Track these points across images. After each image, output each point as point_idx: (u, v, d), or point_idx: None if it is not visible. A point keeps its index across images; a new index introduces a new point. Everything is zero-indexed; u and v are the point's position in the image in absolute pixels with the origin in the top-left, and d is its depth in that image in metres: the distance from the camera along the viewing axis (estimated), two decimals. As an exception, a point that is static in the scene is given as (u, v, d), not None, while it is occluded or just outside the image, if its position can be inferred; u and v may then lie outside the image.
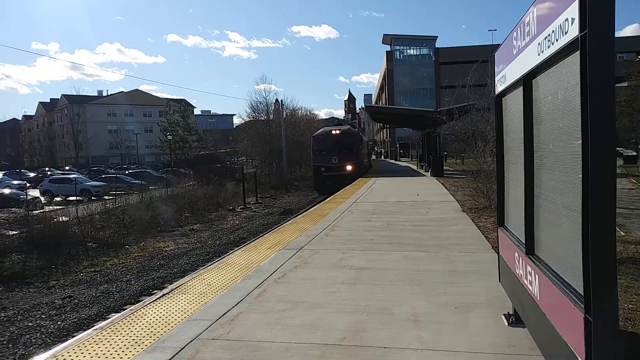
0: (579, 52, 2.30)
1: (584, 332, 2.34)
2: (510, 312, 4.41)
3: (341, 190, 18.71)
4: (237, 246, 15.01)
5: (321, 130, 31.29)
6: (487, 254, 6.93)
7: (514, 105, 4.11)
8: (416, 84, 65.00)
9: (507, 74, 4.22)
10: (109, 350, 3.86)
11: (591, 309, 2.29)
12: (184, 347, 3.89)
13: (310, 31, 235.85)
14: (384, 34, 69.89)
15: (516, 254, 3.97)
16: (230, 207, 25.08)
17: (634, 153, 27.34)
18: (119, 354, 3.79)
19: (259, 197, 28.72)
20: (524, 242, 3.69)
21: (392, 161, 55.01)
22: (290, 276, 6.02)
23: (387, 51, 68.82)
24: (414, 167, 34.77)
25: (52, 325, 8.08)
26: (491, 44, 62.91)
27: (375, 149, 78.35)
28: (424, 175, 25.42)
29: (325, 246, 7.84)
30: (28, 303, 9.54)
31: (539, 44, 3.04)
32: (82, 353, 3.83)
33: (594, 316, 2.28)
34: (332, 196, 16.96)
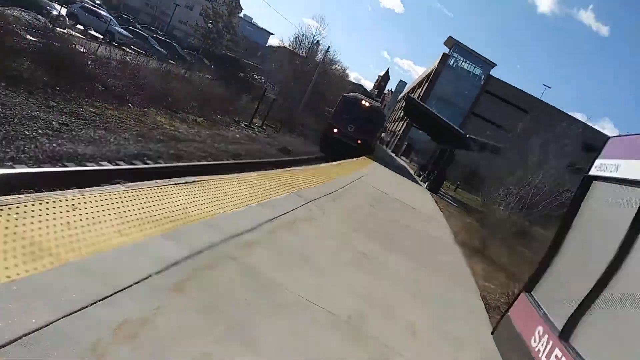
0: None
1: None
2: (496, 370, 4.44)
3: (347, 160, 18.58)
4: (234, 159, 14.90)
5: (352, 94, 30.51)
6: (475, 296, 6.96)
7: (614, 199, 3.96)
8: (454, 98, 64.03)
9: (622, 166, 4.04)
10: (134, 212, 3.69)
11: None
12: (199, 251, 3.75)
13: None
14: (449, 36, 68.35)
15: (540, 329, 3.93)
16: (237, 119, 24.73)
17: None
18: (140, 222, 3.63)
19: (265, 123, 28.36)
20: (560, 326, 3.65)
21: (392, 154, 54.87)
22: (301, 227, 5.89)
23: (444, 53, 67.26)
24: (411, 172, 34.85)
25: (47, 144, 7.84)
26: (540, 97, 62.35)
27: (383, 135, 77.98)
28: (420, 185, 25.51)
29: (333, 211, 7.73)
30: (26, 111, 9.22)
31: None
32: (106, 202, 3.65)
33: None
34: (338, 162, 16.80)
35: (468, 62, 66.90)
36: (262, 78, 48.18)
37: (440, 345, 4.38)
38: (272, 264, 4.21)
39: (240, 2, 76.73)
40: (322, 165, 14.23)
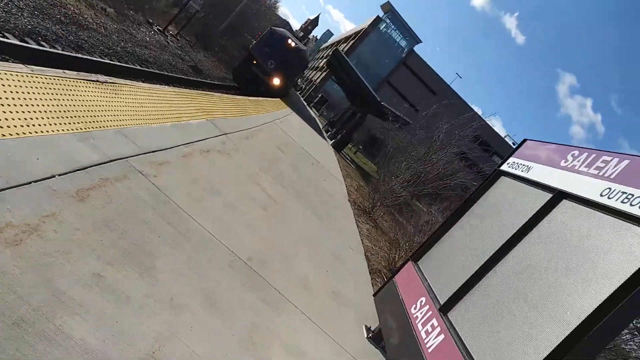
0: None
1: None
2: (371, 328, 4.77)
3: (262, 98, 18.04)
4: (141, 64, 13.59)
5: (282, 29, 29.17)
6: (360, 257, 7.36)
7: (516, 194, 4.33)
8: (374, 63, 64.92)
9: (533, 168, 4.41)
10: (39, 104, 3.14)
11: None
12: (112, 160, 3.36)
13: None
14: (388, 1, 68.05)
15: (422, 299, 4.25)
16: (151, 21, 22.40)
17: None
18: (45, 121, 3.11)
19: (181, 34, 26.20)
20: (441, 299, 3.97)
21: (305, 104, 54.58)
22: (214, 157, 5.60)
23: (378, 16, 67.20)
24: (320, 126, 35.20)
25: None
26: (450, 83, 65.98)
27: (299, 82, 77.02)
28: (326, 140, 25.86)
29: (245, 148, 7.46)
30: None
31: (609, 188, 3.21)
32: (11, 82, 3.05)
33: None
34: (254, 97, 16.24)
35: (398, 31, 67.79)
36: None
37: (326, 300, 4.56)
38: (183, 190, 3.95)
39: None
40: (239, 97, 13.63)
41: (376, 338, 4.61)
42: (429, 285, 4.40)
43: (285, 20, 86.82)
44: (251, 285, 3.52)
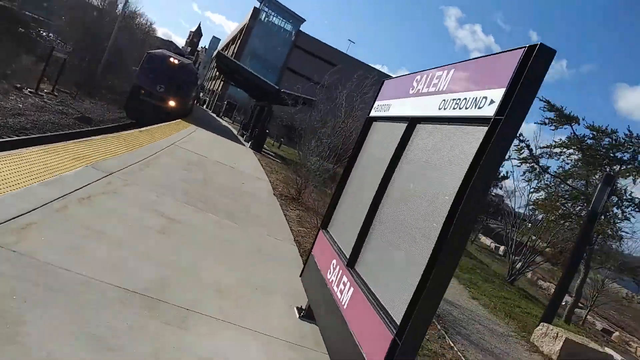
0: (486, 128, 2.64)
1: (387, 352, 2.73)
2: (303, 307, 4.78)
3: (158, 125, 17.39)
4: (17, 135, 12.64)
5: (159, 50, 28.05)
6: (289, 244, 7.35)
7: (386, 135, 4.47)
8: (267, 53, 64.76)
9: (392, 105, 4.56)
10: None
11: (403, 336, 2.67)
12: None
13: None
14: (259, -11, 67.80)
15: (334, 262, 4.32)
16: (18, 85, 20.80)
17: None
18: None
19: (58, 89, 24.58)
20: (347, 255, 4.05)
21: (214, 115, 53.57)
22: (97, 201, 5.33)
23: (255, 7, 66.81)
24: (235, 132, 34.58)
25: None
26: (346, 52, 67.06)
27: (201, 95, 75.33)
28: (243, 145, 25.45)
29: (138, 181, 7.17)
30: None
31: (443, 100, 3.37)
32: None
33: (403, 342, 2.67)
34: (147, 127, 15.62)
35: (279, 17, 67.86)
36: (51, 34, 41.34)
37: (247, 296, 4.51)
38: (53, 246, 3.71)
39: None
40: (127, 132, 13.06)
41: (308, 315, 4.63)
42: (338, 247, 4.46)
43: (167, 40, 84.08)
44: (151, 314, 3.39)
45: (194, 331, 3.40)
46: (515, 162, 15.37)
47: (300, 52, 64.35)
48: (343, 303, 3.69)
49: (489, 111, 2.69)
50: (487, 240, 35.49)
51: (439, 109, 3.39)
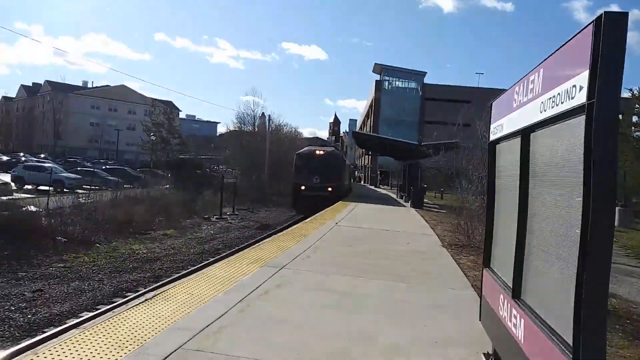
0: (584, 116, 2.48)
1: (571, 379, 2.48)
2: (490, 352, 4.54)
3: (322, 212, 18.78)
4: (212, 256, 14.92)
5: (305, 148, 31.20)
6: (467, 291, 7.08)
7: (508, 154, 4.31)
8: (401, 115, 66.09)
9: (504, 124, 4.43)
10: (91, 352, 3.81)
11: (580, 356, 2.43)
12: (168, 355, 3.88)
13: (300, 49, 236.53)
14: (375, 63, 71.17)
15: (501, 297, 4.11)
16: (206, 216, 24.76)
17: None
18: (101, 356, 3.75)
19: (236, 208, 28.51)
20: (510, 285, 3.84)
21: (372, 187, 55.47)
22: (273, 294, 6.05)
23: (376, 80, 70.03)
24: (394, 196, 35.11)
25: (21, 318, 7.84)
26: (476, 86, 64.75)
27: (356, 173, 79.00)
28: (404, 206, 25.67)
29: (307, 267, 7.89)
30: (-5, 293, 9.25)
31: (542, 102, 3.24)
32: (64, 352, 3.78)
33: None
34: (312, 217, 17.01)
35: (401, 79, 69.77)
36: (221, 167, 49.00)
37: (427, 352, 4.50)
38: (242, 341, 4.33)
39: (178, 105, 79.33)
40: (295, 226, 14.41)
41: (496, 359, 4.38)
42: (502, 280, 4.27)
43: (313, 138, 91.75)
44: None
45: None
46: None
47: (431, 102, 64.05)
48: (519, 337, 3.47)
49: (582, 98, 2.54)
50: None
51: (541, 112, 3.25)
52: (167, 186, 29.75)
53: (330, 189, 25.86)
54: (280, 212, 30.93)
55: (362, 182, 71.73)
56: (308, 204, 24.63)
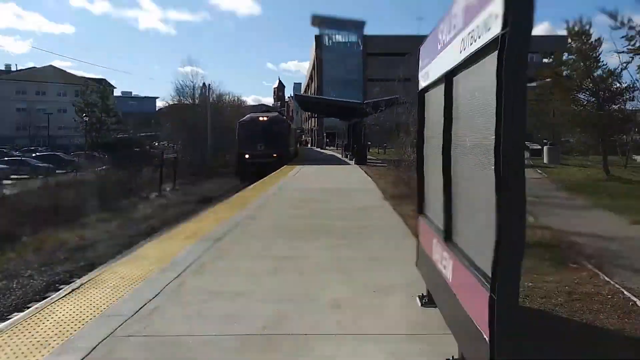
0: (497, 51, 2.35)
1: (488, 310, 2.49)
2: (424, 294, 4.61)
3: (266, 177, 18.55)
4: (149, 237, 14.34)
5: (247, 116, 30.62)
6: (407, 240, 7.16)
7: (435, 102, 4.23)
8: (345, 74, 64.97)
9: (430, 71, 4.33)
10: (8, 357, 3.49)
11: (495, 288, 2.43)
12: (96, 346, 3.61)
13: (230, 3, 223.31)
14: (312, 15, 68.95)
15: (435, 240, 4.12)
16: (144, 195, 23.70)
17: (539, 147, 29.86)
18: None
19: (178, 183, 27.55)
20: (442, 229, 3.85)
21: (319, 150, 55.55)
22: (209, 267, 5.84)
23: (316, 35, 67.63)
24: (339, 156, 35.39)
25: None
26: (418, 34, 64.49)
27: (303, 137, 78.70)
28: (349, 164, 25.96)
29: (247, 235, 7.72)
30: None
31: (462, 39, 3.08)
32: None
33: (497, 294, 2.42)
34: (255, 183, 16.75)
35: (340, 32, 67.77)
36: (163, 143, 47.24)
37: (367, 303, 4.52)
38: (176, 320, 4.14)
39: (112, 82, 74.90)
40: (236, 194, 14.11)
41: (430, 300, 4.45)
42: (435, 225, 4.27)
43: (257, 105, 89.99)
44: (269, 351, 3.54)
45: (313, 355, 3.47)
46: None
47: (374, 57, 63.06)
48: (449, 277, 3.50)
49: (497, 29, 2.40)
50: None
51: (461, 52, 3.13)
52: (104, 167, 28.28)
53: (275, 154, 25.59)
54: (224, 182, 30.15)
55: (310, 146, 71.62)
56: (254, 171, 24.06)
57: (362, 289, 4.91)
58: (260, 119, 27.65)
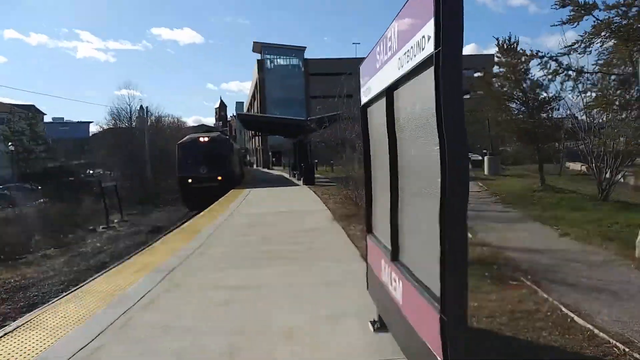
0: (433, 67, 2.43)
1: (440, 331, 2.48)
2: (376, 319, 4.55)
3: (214, 204, 18.05)
4: (99, 272, 13.54)
5: (187, 137, 28.59)
6: (357, 263, 7.11)
7: (378, 116, 4.27)
8: (287, 93, 65.79)
9: (371, 86, 4.38)
10: None
11: (445, 309, 2.43)
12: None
13: (172, 34, 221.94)
14: (254, 42, 69.79)
15: (382, 261, 4.09)
16: (91, 227, 22.44)
17: (480, 157, 30.99)
18: None
19: (125, 213, 26.30)
20: (389, 248, 3.82)
21: (265, 170, 55.15)
22: (160, 301, 5.54)
23: (258, 60, 68.68)
24: (287, 176, 35.16)
25: None
26: (356, 57, 66.70)
27: (248, 157, 77.92)
28: (297, 184, 25.75)
29: (198, 266, 7.42)
30: None
31: (399, 58, 3.17)
32: None
33: (447, 315, 2.43)
34: (205, 210, 16.27)
35: (282, 57, 69.18)
36: (98, 170, 45.06)
37: (319, 330, 4.41)
38: (122, 358, 3.85)
39: (41, 109, 70.94)
40: (185, 224, 13.63)
41: (382, 325, 4.39)
42: (383, 245, 4.25)
43: (198, 125, 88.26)
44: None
45: None
46: (553, 78, 14.12)
47: (315, 77, 64.40)
48: (398, 299, 3.46)
49: (430, 48, 2.48)
50: (577, 166, 32.94)
51: (399, 69, 3.19)
52: (42, 200, 26.49)
53: (220, 177, 24.21)
54: (173, 210, 29.20)
55: (255, 166, 71.00)
56: (199, 197, 22.73)
57: (315, 316, 4.80)
58: (201, 139, 26.00)
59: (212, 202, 18.66)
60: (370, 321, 4.51)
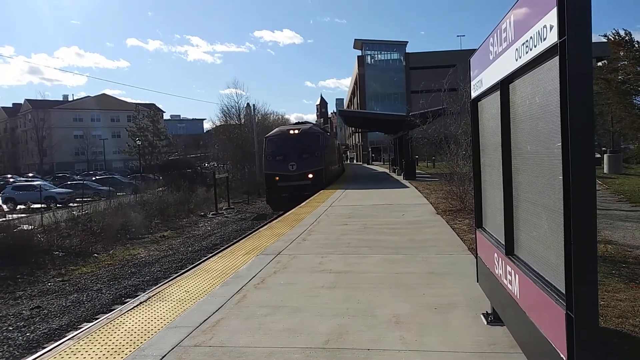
0: (557, 57, 2.38)
1: (566, 329, 2.41)
2: (489, 312, 4.50)
3: (313, 196, 18.53)
4: (210, 252, 14.82)
5: (276, 130, 25.28)
6: (464, 255, 7.05)
7: (490, 110, 4.21)
8: (387, 88, 65.59)
9: (483, 79, 4.32)
10: (87, 361, 3.73)
11: (573, 305, 2.36)
12: (165, 354, 3.81)
13: (273, 36, 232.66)
14: (355, 39, 70.36)
15: (495, 255, 4.05)
16: (202, 213, 24.69)
17: (598, 155, 28.35)
18: (97, 365, 3.67)
19: (231, 202, 28.40)
20: (503, 243, 3.77)
21: (365, 165, 55.39)
22: (269, 281, 5.98)
23: (358, 56, 69.20)
24: (387, 171, 35.02)
25: (20, 337, 7.76)
26: (459, 49, 64.10)
27: (348, 153, 78.87)
28: (397, 179, 25.54)
29: (303, 251, 7.83)
30: (-9, 315, 9.13)
31: (516, 49, 3.12)
32: (59, 365, 3.70)
33: (575, 313, 2.35)
34: (305, 201, 16.87)
35: (382, 52, 68.96)
36: (212, 163, 48.69)
37: (427, 319, 4.46)
38: (239, 332, 4.26)
39: (161, 107, 78.62)
40: (289, 212, 14.29)
41: (496, 318, 4.34)
42: (495, 239, 4.20)
43: (301, 122, 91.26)
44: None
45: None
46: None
47: (416, 71, 63.08)
48: (515, 293, 3.42)
49: (553, 38, 2.44)
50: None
51: (516, 60, 3.14)
52: (161, 189, 29.55)
53: (311, 175, 21.28)
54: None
55: (355, 161, 71.65)
56: (286, 197, 20.45)
57: (422, 304, 4.85)
58: (291, 132, 22.70)
59: (299, 204, 16.45)
60: (483, 313, 4.48)
